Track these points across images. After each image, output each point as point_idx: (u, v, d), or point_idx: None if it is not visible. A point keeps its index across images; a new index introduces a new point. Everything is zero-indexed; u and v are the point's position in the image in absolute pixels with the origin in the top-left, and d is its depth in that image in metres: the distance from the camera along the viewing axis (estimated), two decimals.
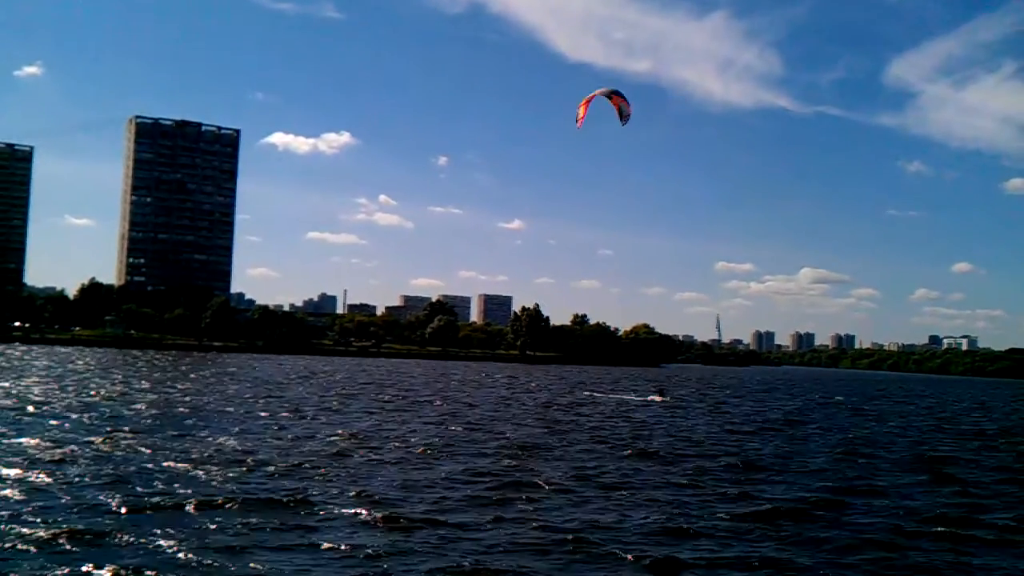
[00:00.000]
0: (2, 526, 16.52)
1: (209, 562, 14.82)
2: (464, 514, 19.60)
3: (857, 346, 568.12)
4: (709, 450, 35.05)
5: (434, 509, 19.97)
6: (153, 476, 22.52)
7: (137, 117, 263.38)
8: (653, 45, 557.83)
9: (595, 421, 48.24)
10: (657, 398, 73.22)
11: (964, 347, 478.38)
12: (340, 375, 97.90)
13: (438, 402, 58.36)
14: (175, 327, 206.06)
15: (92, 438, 29.60)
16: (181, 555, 15.14)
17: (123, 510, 18.42)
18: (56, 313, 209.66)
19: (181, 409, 43.05)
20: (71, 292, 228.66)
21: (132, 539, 15.98)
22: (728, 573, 15.91)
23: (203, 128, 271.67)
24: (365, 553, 15.85)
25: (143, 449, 27.37)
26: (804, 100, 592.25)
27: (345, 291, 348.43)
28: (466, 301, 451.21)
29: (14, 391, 50.14)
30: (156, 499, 19.56)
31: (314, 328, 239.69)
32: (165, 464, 24.49)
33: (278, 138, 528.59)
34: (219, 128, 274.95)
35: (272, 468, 24.50)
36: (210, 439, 30.73)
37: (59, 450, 26.40)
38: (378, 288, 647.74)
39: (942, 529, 20.42)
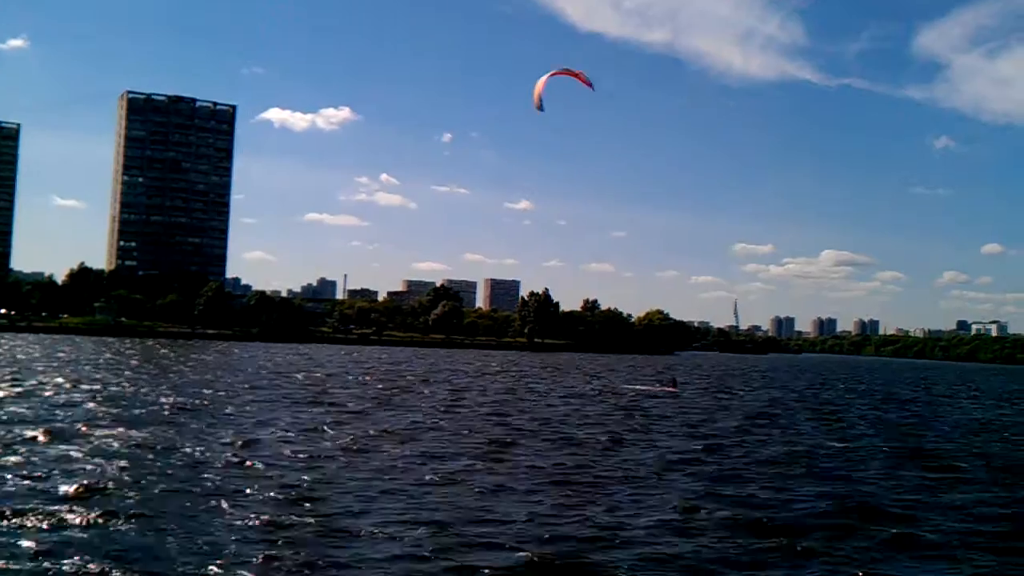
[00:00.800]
0: None
1: None
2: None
3: (881, 332, 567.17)
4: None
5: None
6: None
7: (129, 92, 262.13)
8: (670, 14, 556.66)
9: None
10: (669, 388, 72.07)
11: (994, 333, 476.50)
12: (333, 364, 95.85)
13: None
14: (168, 314, 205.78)
15: None
16: None
17: None
18: (44, 299, 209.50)
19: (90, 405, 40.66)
20: (59, 277, 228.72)
21: None
22: None
23: (198, 104, 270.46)
24: None
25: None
26: (828, 72, 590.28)
27: (345, 276, 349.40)
28: (472, 286, 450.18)
29: None
30: None
31: (312, 315, 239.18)
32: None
33: (274, 114, 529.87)
34: (214, 104, 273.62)
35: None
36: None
37: None
38: (380, 272, 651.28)
39: None
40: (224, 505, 19.30)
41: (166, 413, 38.02)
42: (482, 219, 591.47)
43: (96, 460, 24.36)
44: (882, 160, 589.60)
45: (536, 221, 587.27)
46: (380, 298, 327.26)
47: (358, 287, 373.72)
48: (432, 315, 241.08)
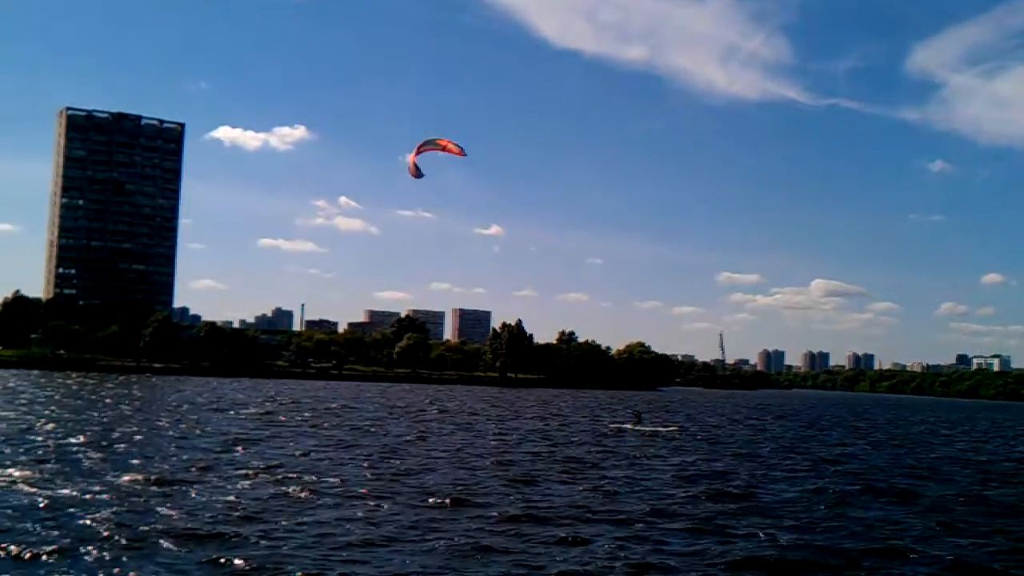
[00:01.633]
0: None
1: None
2: None
3: (876, 367, 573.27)
4: None
5: None
6: None
7: (68, 109, 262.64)
8: (649, 30, 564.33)
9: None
10: (630, 426, 73.23)
11: (996, 367, 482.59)
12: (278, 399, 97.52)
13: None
14: (111, 346, 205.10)
15: None
16: None
17: None
18: None
19: None
20: None
21: None
22: None
23: (143, 121, 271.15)
24: None
25: None
26: (816, 92, 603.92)
27: (303, 306, 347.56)
28: (439, 317, 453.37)
29: None
30: None
31: (267, 347, 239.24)
32: None
33: (224, 132, 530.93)
34: (161, 122, 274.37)
35: None
36: None
37: None
38: (340, 302, 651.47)
39: None
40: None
41: (73, 451, 38.98)
42: (450, 245, 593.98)
43: None
44: (875, 185, 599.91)
45: (507, 247, 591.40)
46: (340, 329, 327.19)
47: (316, 318, 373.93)
48: (397, 348, 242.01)
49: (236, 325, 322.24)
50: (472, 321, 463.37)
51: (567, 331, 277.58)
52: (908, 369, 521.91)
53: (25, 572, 18.37)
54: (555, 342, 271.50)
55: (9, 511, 23.67)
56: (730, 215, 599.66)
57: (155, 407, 73.86)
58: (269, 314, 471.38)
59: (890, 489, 37.47)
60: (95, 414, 62.42)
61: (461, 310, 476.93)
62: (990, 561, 23.23)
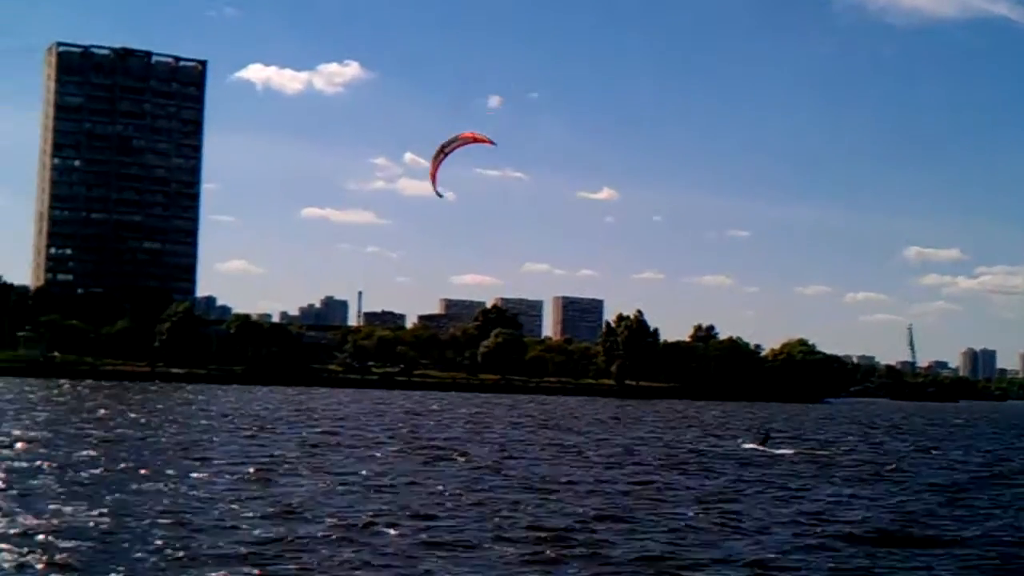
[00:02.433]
0: None
1: None
2: None
3: None
4: None
5: None
6: None
7: (60, 45, 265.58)
8: None
9: None
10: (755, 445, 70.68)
11: None
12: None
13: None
14: (117, 346, 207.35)
15: None
16: None
17: None
18: None
19: None
20: None
21: None
22: None
23: (154, 59, 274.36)
24: None
25: None
26: None
27: (360, 294, 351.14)
28: (536, 307, 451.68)
29: None
30: None
31: (315, 347, 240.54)
32: None
33: (256, 72, 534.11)
34: (176, 59, 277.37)
35: None
36: None
37: None
38: (408, 289, 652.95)
39: None
40: None
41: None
42: (548, 215, 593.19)
43: None
44: None
45: (622, 217, 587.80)
46: (409, 324, 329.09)
47: (378, 309, 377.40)
48: (482, 348, 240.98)
49: (276, 319, 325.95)
50: (579, 312, 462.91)
51: (704, 325, 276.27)
52: None
53: None
54: (688, 339, 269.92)
55: None
56: (919, 171, 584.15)
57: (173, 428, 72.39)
58: (317, 305, 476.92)
59: None
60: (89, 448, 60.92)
61: (564, 299, 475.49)
62: None
